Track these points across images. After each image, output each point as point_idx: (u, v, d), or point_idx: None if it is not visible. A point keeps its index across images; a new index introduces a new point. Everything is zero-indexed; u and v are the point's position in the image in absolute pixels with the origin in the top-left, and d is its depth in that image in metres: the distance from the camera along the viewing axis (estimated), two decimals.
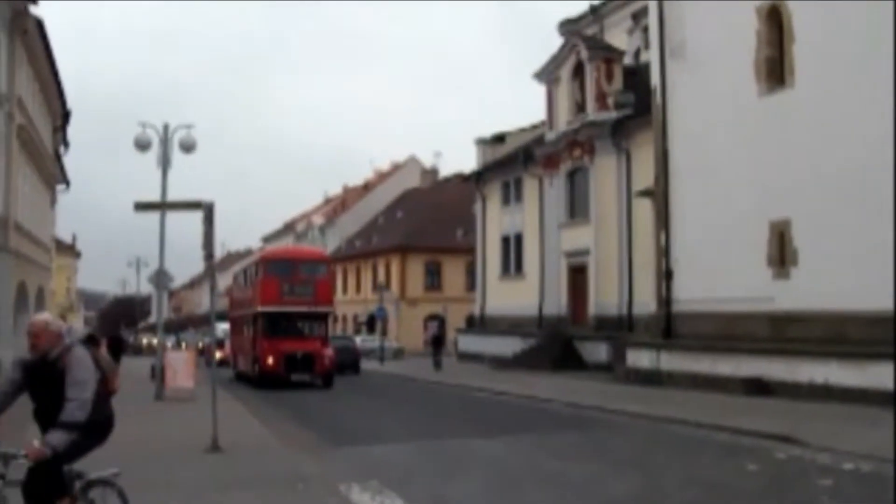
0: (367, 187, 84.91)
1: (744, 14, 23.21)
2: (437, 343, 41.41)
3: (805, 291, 20.94)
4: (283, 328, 30.32)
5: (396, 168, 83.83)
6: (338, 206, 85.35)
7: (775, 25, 22.61)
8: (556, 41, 41.71)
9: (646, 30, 35.26)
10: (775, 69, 22.56)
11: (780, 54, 22.47)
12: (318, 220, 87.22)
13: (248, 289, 34.61)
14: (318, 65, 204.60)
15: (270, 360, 29.39)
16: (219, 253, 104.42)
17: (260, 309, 30.76)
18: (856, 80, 19.77)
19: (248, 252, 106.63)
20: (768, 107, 22.56)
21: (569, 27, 43.71)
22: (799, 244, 21.43)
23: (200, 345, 50.16)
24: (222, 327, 56.81)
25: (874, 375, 18.29)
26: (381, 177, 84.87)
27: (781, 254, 21.99)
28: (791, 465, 12.42)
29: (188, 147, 24.04)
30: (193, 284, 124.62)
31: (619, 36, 41.94)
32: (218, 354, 39.37)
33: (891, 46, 18.71)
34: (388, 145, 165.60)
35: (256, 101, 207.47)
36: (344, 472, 12.02)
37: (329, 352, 30.28)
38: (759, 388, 21.09)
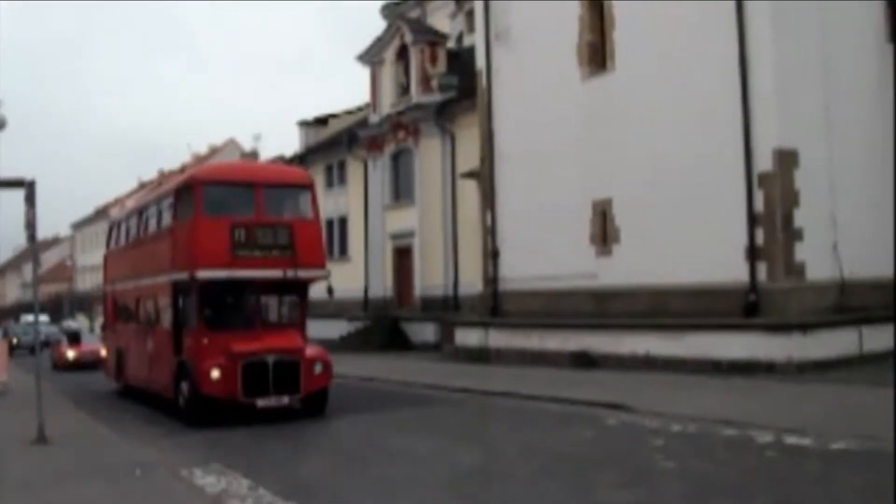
0: (183, 171, 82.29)
1: (567, 0, 23.86)
2: None
3: (627, 268, 21.81)
4: (238, 312, 16.42)
5: (214, 151, 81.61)
6: (154, 190, 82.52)
7: (597, 11, 23.36)
8: (380, 24, 41.68)
9: (469, 14, 35.76)
10: (597, 54, 23.33)
11: (601, 39, 23.25)
12: (132, 205, 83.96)
13: (154, 243, 18.61)
14: (131, 45, 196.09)
15: (216, 374, 15.11)
16: (23, 242, 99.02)
17: (195, 275, 15.63)
18: (672, 66, 20.69)
19: (56, 240, 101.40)
20: (590, 90, 23.32)
21: (392, 10, 43.77)
22: (620, 223, 22.27)
23: (15, 340, 45.26)
24: (29, 319, 52.70)
25: (691, 345, 19.31)
26: (199, 161, 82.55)
27: (604, 232, 22.80)
28: (624, 429, 12.95)
29: None
30: None
31: (441, 20, 42.31)
32: (71, 354, 34.16)
33: (705, 38, 19.76)
34: (207, 130, 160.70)
35: (65, 80, 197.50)
36: (184, 458, 11.71)
37: (319, 352, 16.55)
38: (585, 361, 21.85)
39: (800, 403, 14.19)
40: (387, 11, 44.32)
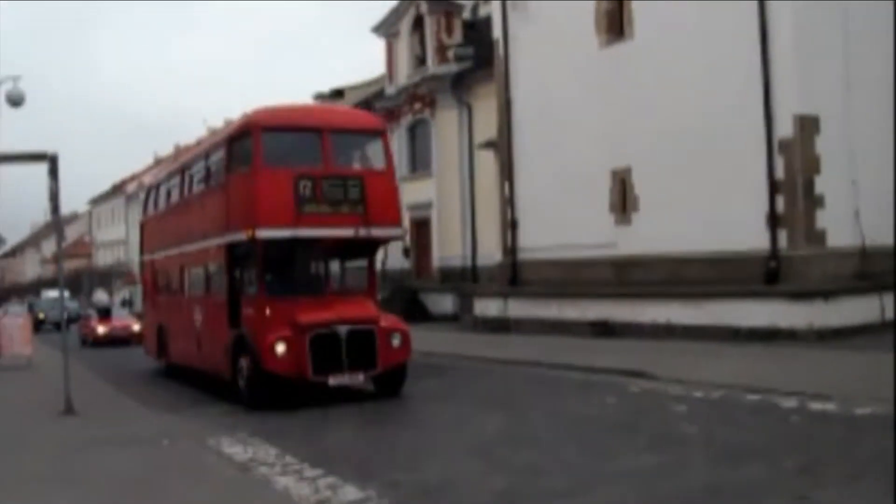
0: (199, 144, 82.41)
1: None
2: None
3: (646, 236, 21.80)
4: (303, 277, 15.12)
5: (230, 125, 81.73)
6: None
7: None
8: None
9: None
10: (615, 21, 23.19)
11: (619, 7, 23.09)
12: (149, 181, 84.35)
13: (202, 203, 16.77)
14: (146, 21, 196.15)
15: (281, 349, 13.43)
16: (41, 219, 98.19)
17: (256, 235, 13.86)
18: (691, 32, 20.56)
19: (75, 216, 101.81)
20: (608, 58, 23.19)
21: None
22: (640, 191, 22.25)
23: (41, 315, 45.23)
24: (52, 295, 52.44)
25: (711, 313, 19.31)
26: (215, 134, 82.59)
27: (623, 201, 22.77)
28: (646, 396, 13.00)
29: (16, 101, 22.76)
30: (15, 252, 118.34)
31: None
32: (101, 329, 33.66)
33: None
34: (223, 105, 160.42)
35: (80, 57, 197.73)
36: (211, 429, 11.84)
37: (396, 322, 14.80)
38: (605, 329, 21.90)
39: (823, 370, 14.19)
40: None
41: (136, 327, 31.95)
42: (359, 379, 13.73)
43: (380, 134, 15.36)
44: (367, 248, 15.12)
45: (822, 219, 18.82)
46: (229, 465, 9.41)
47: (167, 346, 19.70)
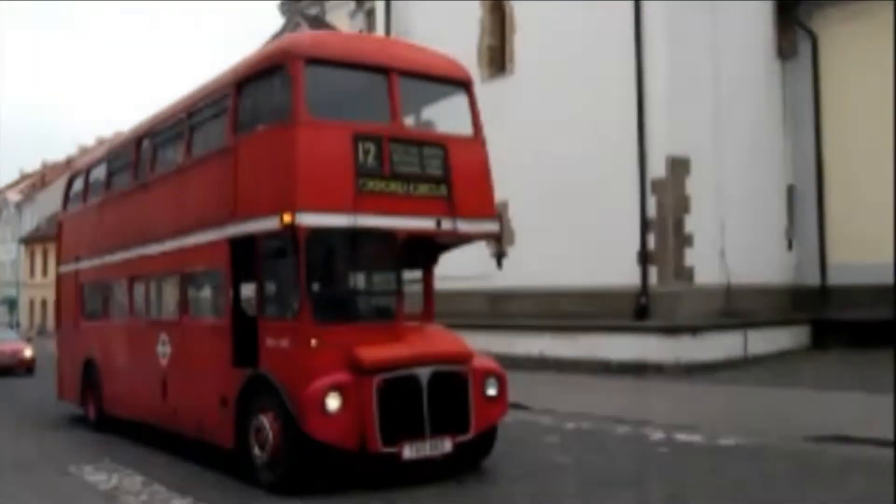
0: (69, 163, 79.96)
1: (468, 3, 24.07)
2: None
3: (521, 269, 21.99)
4: (362, 291, 10.62)
5: (102, 143, 79.47)
6: (37, 181, 79.91)
7: (498, 14, 23.64)
8: (279, 20, 41.27)
9: (369, 13, 35.64)
10: (497, 57, 23.59)
11: (501, 43, 23.52)
12: (13, 196, 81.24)
13: (177, 182, 11.66)
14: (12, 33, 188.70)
15: (334, 403, 8.53)
16: None
17: (298, 222, 8.74)
18: (571, 71, 21.05)
19: None
20: (489, 92, 23.42)
21: (290, 6, 43.34)
22: (516, 225, 22.53)
23: None
24: None
25: (583, 346, 19.70)
26: (86, 153, 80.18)
27: (500, 234, 22.97)
28: (519, 426, 13.03)
29: None
30: None
31: (341, 18, 41.94)
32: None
33: (600, 46, 20.20)
34: (94, 123, 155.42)
35: None
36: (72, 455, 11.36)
37: (489, 363, 10.16)
38: None
39: (689, 402, 14.61)
40: (285, 7, 43.87)
41: (29, 353, 27.00)
42: (445, 448, 8.92)
43: (465, 86, 10.35)
44: (437, 250, 10.76)
45: (691, 257, 19.44)
46: (94, 494, 9.04)
47: (100, 391, 13.84)
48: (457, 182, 9.73)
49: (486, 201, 10.17)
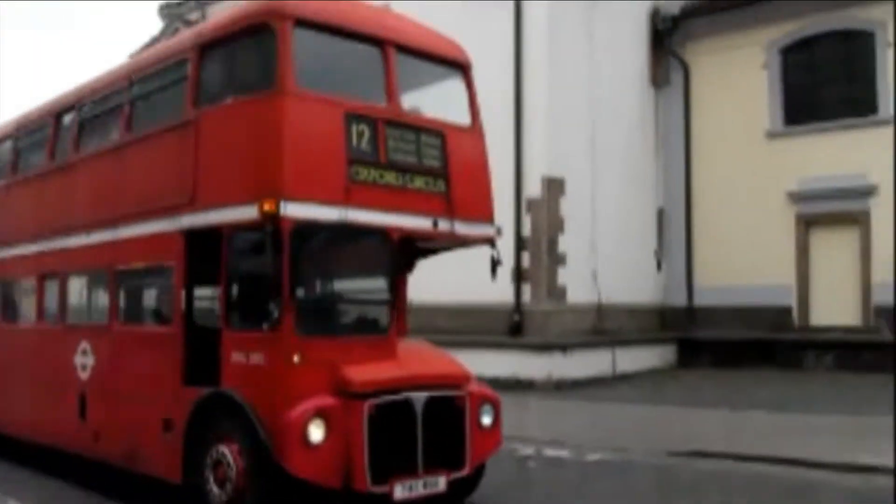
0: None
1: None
2: None
3: None
4: (343, 301, 8.85)
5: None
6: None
7: None
8: (158, 24, 40.44)
9: None
10: None
11: None
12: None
13: (112, 161, 9.80)
14: None
15: (318, 433, 7.16)
16: None
17: (281, 213, 7.24)
18: None
19: None
20: None
21: (170, 11, 42.53)
22: None
23: None
24: None
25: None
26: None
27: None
28: None
29: None
30: None
31: None
32: None
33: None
34: None
35: None
36: None
37: (482, 388, 8.62)
38: None
39: (558, 418, 14.91)
40: (165, 11, 43.02)
41: None
42: (439, 486, 7.73)
43: (464, 70, 9.18)
44: (417, 254, 9.61)
45: (564, 276, 19.82)
46: None
47: None
48: (455, 177, 8.64)
49: (484, 201, 9.12)
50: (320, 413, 7.15)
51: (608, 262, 20.35)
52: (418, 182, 8.28)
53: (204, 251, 8.02)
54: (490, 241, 9.03)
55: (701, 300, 21.86)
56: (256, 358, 7.49)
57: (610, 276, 20.29)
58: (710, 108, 22.17)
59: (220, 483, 7.45)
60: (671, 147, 22.74)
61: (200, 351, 8.06)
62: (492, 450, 8.47)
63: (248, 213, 7.44)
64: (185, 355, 8.21)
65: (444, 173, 8.48)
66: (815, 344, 19.94)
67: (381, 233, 7.93)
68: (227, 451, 7.42)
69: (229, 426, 7.49)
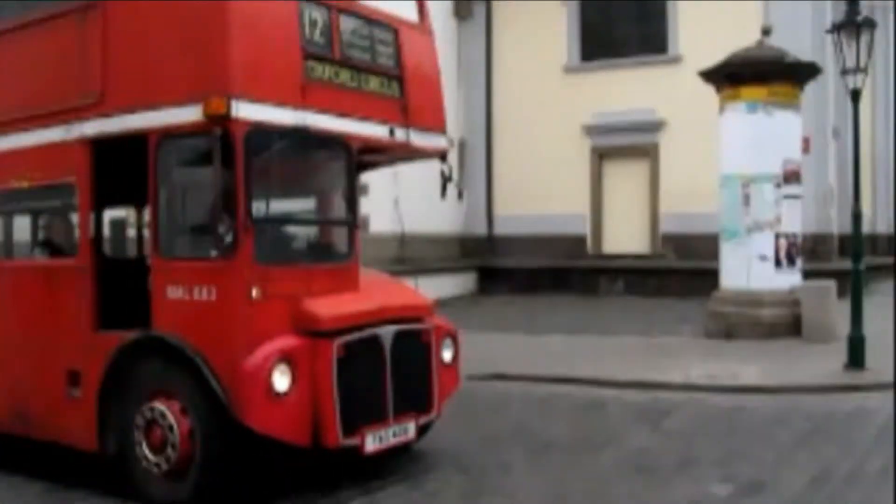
0: None
1: None
2: None
3: None
4: (308, 223, 7.84)
5: None
6: None
7: None
8: None
9: None
10: None
11: None
12: None
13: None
14: None
15: (283, 381, 6.02)
16: None
17: (233, 115, 5.91)
18: None
19: None
20: None
21: None
22: None
23: None
24: None
25: None
26: None
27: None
28: None
29: None
30: None
31: None
32: None
33: None
34: None
35: None
36: None
37: (443, 320, 7.65)
38: None
39: None
40: None
41: None
42: (409, 434, 6.89)
43: None
44: (362, 168, 7.94)
45: (366, 205, 19.70)
46: None
47: None
48: (409, 80, 7.51)
49: (438, 110, 8.04)
50: (285, 357, 6.08)
51: (410, 191, 20.45)
52: (373, 83, 7.19)
53: (118, 165, 6.63)
54: (442, 155, 8.05)
55: (500, 229, 22.44)
56: (203, 293, 6.15)
57: (412, 206, 20.37)
58: (511, 42, 22.54)
59: (157, 449, 6.15)
60: (473, 79, 22.99)
61: (117, 287, 6.83)
62: (453, 389, 7.67)
63: (186, 114, 6.10)
64: (97, 293, 6.74)
65: (399, 75, 7.41)
66: (607, 270, 20.91)
67: (340, 142, 6.79)
68: (165, 410, 6.11)
69: (167, 378, 6.20)
